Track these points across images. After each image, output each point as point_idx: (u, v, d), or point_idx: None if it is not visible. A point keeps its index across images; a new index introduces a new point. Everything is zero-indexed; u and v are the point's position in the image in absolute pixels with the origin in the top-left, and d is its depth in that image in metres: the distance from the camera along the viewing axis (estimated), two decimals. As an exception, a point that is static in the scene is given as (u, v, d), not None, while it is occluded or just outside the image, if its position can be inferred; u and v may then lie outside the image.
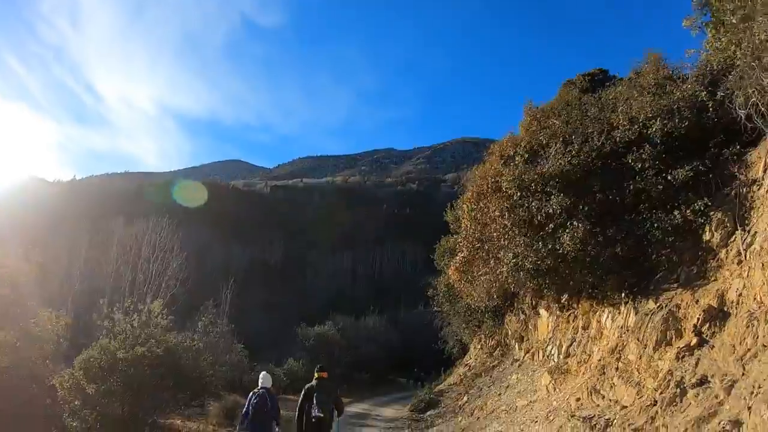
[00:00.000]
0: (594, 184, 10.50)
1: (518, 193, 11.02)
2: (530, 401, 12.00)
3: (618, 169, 10.56)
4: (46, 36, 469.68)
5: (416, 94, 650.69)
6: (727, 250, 8.82)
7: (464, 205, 14.27)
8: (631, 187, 10.08)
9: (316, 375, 9.01)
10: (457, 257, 14.62)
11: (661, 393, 7.58)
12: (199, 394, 14.92)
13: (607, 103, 12.03)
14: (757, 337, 6.66)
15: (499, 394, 14.28)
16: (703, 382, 7.05)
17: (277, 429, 9.16)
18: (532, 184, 10.79)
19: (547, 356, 13.77)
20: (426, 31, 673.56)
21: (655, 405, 7.50)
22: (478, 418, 13.57)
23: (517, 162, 11.65)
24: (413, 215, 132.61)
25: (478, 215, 12.83)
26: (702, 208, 9.44)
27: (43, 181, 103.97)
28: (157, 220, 31.79)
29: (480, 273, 13.13)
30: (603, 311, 11.16)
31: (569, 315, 12.90)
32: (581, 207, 10.20)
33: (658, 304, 9.31)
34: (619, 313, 10.51)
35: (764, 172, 8.67)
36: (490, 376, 17.33)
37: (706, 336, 7.88)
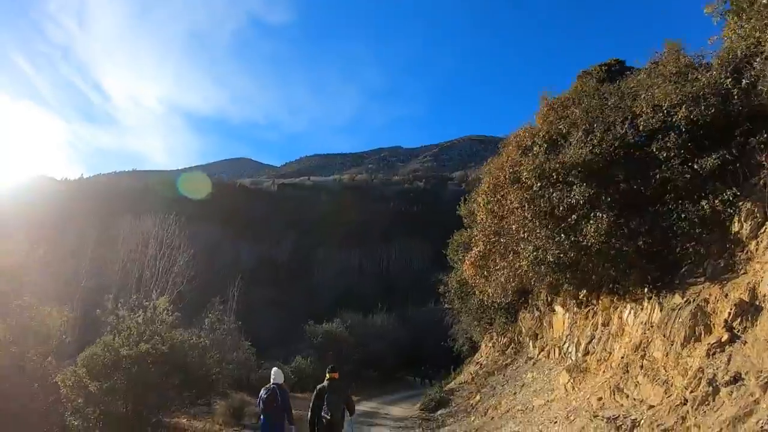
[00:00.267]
0: (617, 173, 10.04)
1: (538, 183, 10.56)
2: (547, 400, 11.56)
3: (641, 159, 10.11)
4: (53, 35, 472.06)
5: (424, 91, 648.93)
6: (758, 242, 8.43)
7: (480, 198, 13.80)
8: (657, 176, 9.61)
9: (327, 375, 9.04)
10: (473, 251, 14.18)
11: (691, 392, 7.19)
12: (206, 393, 14.57)
13: (627, 92, 11.55)
14: (795, 333, 6.26)
15: (514, 393, 13.82)
16: (736, 379, 6.69)
17: (291, 428, 9.26)
18: (554, 174, 10.33)
19: (564, 354, 13.33)
20: (434, 27, 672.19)
21: (685, 404, 7.10)
22: (493, 417, 13.13)
23: (535, 152, 11.19)
24: (421, 213, 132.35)
25: (495, 208, 12.40)
26: (731, 198, 9.00)
27: (52, 179, 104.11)
28: (163, 217, 31.48)
29: (497, 267, 12.69)
30: (625, 307, 10.71)
31: (588, 311, 12.44)
32: (604, 198, 9.76)
33: (685, 299, 8.87)
34: (642, 308, 10.06)
35: (794, 161, 8.26)
36: (504, 375, 16.89)
37: (738, 331, 7.49)
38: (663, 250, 9.94)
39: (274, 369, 10.00)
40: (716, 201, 9.08)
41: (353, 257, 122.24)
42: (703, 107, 9.76)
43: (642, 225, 9.65)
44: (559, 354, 13.90)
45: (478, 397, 16.24)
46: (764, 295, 7.42)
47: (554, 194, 10.20)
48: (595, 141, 10.30)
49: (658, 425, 7.36)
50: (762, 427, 5.65)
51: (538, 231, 10.51)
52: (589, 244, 9.52)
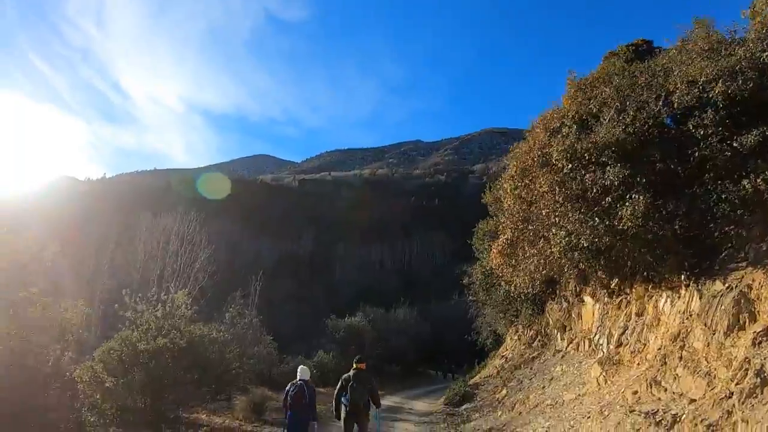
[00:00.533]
0: (652, 153, 9.50)
1: (569, 165, 10.03)
2: (578, 395, 11.04)
3: (677, 138, 9.57)
4: (72, 38, 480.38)
5: (443, 84, 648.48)
6: (804, 223, 7.86)
7: (506, 184, 13.28)
8: (696, 154, 9.04)
9: (354, 366, 9.10)
10: (499, 239, 13.66)
11: (737, 384, 6.68)
12: (225, 388, 14.32)
13: (658, 70, 10.99)
14: None
15: (543, 387, 13.29)
16: (787, 370, 6.18)
17: (314, 424, 9.24)
18: (586, 155, 9.81)
19: (595, 346, 12.78)
20: (452, 19, 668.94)
21: (730, 397, 6.58)
22: (521, 412, 12.63)
23: (565, 133, 10.66)
24: (441, 207, 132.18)
25: (523, 193, 11.89)
26: (774, 177, 8.40)
27: (74, 179, 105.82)
28: (184, 213, 31.44)
29: (525, 255, 12.16)
30: (660, 295, 10.15)
31: (620, 301, 11.87)
32: (639, 179, 9.20)
33: (726, 285, 8.32)
34: (680, 296, 9.50)
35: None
36: (531, 368, 16.36)
37: (786, 318, 6.97)
38: (700, 235, 9.39)
39: (301, 366, 10.04)
40: (758, 180, 8.49)
41: (374, 252, 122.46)
42: (740, 82, 9.23)
43: (679, 208, 9.10)
44: (590, 346, 13.35)
45: (504, 392, 15.75)
46: (812, 279, 6.90)
47: (586, 176, 9.68)
48: (628, 120, 9.77)
49: (701, 420, 6.84)
50: (817, 420, 5.17)
51: (570, 215, 9.98)
52: (625, 227, 8.99)
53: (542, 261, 11.54)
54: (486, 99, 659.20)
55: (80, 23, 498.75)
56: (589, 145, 9.75)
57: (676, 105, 9.78)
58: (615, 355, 11.08)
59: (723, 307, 7.94)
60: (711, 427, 6.57)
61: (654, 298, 10.41)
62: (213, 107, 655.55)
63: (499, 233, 14.65)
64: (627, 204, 9.00)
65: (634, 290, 11.12)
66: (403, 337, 40.68)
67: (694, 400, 7.47)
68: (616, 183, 9.25)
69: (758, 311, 7.51)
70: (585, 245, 9.68)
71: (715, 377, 7.45)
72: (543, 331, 18.34)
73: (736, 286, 8.09)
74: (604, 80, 11.55)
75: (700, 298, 8.72)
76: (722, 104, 9.29)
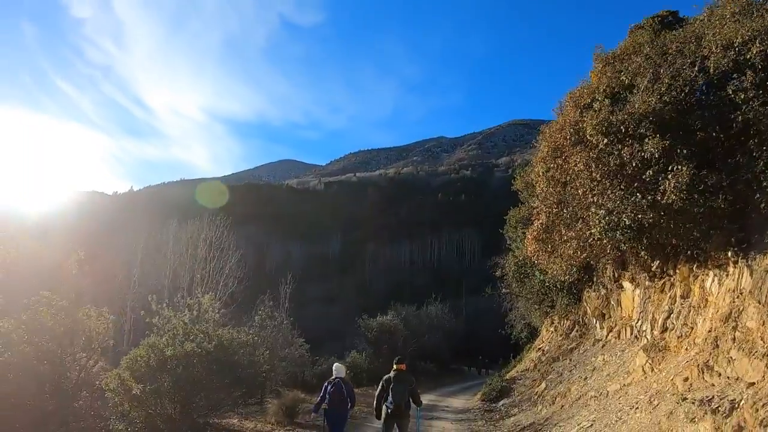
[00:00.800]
0: (692, 122, 8.88)
1: (604, 140, 9.44)
2: (623, 385, 10.45)
3: (716, 105, 8.92)
4: (93, 57, 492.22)
5: (462, 79, 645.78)
6: None
7: (537, 166, 12.70)
8: (738, 119, 8.40)
9: (394, 367, 9.11)
10: (534, 224, 13.05)
11: (800, 362, 6.09)
12: (256, 391, 14.05)
13: (688, 37, 10.35)
14: None
15: (585, 379, 12.69)
16: None
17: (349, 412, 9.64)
18: (622, 127, 9.21)
19: (638, 333, 12.15)
20: (467, 12, 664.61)
21: (794, 377, 6.01)
22: (562, 406, 12.07)
23: (596, 107, 10.09)
24: (468, 202, 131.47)
25: (557, 174, 11.31)
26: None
27: (102, 194, 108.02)
28: (211, 219, 31.47)
29: (563, 239, 11.56)
30: (706, 275, 9.50)
31: (663, 284, 11.22)
32: (679, 150, 8.61)
33: (780, 259, 7.70)
34: (728, 274, 8.85)
35: None
36: (570, 360, 15.74)
37: None
38: (746, 207, 8.73)
39: (336, 364, 10.18)
40: (808, 143, 7.86)
41: (403, 250, 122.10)
42: (778, 40, 8.58)
43: (723, 179, 8.48)
44: (631, 333, 12.72)
45: (543, 385, 15.17)
46: None
47: (623, 150, 9.08)
48: (663, 89, 9.16)
49: (763, 404, 6.29)
50: None
51: (609, 192, 9.39)
52: (670, 201, 8.38)
53: (581, 244, 10.94)
54: (507, 91, 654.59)
55: (100, 42, 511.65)
56: (625, 116, 9.16)
57: (711, 70, 9.15)
58: (660, 341, 10.47)
59: (778, 283, 7.35)
60: (775, 413, 6.03)
61: (699, 278, 9.77)
62: (234, 115, 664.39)
63: (532, 219, 14.10)
64: (669, 176, 8.41)
65: (677, 271, 10.47)
66: (436, 334, 40.22)
67: (753, 384, 6.89)
68: (656, 155, 8.65)
69: (818, 284, 6.92)
70: (627, 223, 9.09)
71: (774, 358, 6.87)
72: (580, 320, 17.69)
73: (791, 260, 7.50)
74: (634, 50, 10.95)
75: (751, 274, 8.08)
76: (761, 65, 8.63)
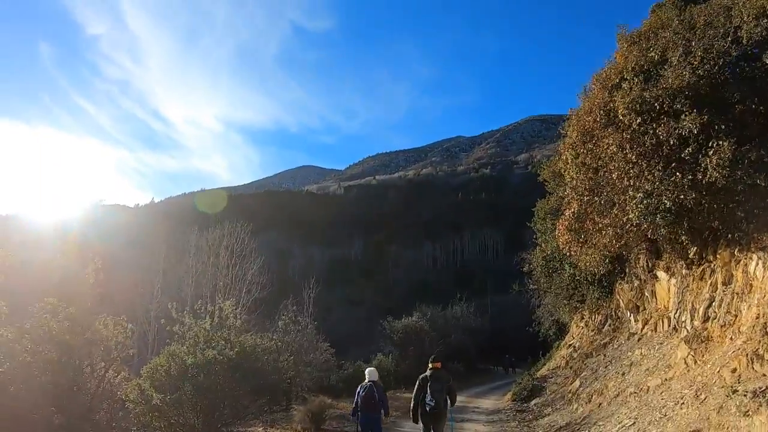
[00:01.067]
0: (729, 95, 8.35)
1: (638, 119, 8.95)
2: (665, 379, 9.87)
3: (752, 76, 8.39)
4: (110, 72, 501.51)
5: (477, 77, 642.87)
6: None
7: (566, 153, 12.16)
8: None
9: (430, 365, 9.19)
10: (565, 214, 12.50)
11: None
12: (281, 398, 13.69)
13: (717, 9, 9.80)
14: None
15: (622, 375, 12.08)
16: None
17: (387, 419, 9.83)
18: (656, 104, 8.72)
19: (677, 324, 11.53)
20: (478, 8, 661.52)
21: None
22: (600, 404, 11.50)
23: (626, 88, 9.57)
24: (488, 200, 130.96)
25: (587, 159, 10.79)
26: None
27: (125, 207, 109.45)
28: (232, 226, 31.36)
29: (596, 228, 11.02)
30: (750, 258, 8.89)
31: (702, 271, 10.59)
32: (718, 125, 8.07)
33: (829, 240, 7.13)
34: (774, 257, 8.30)
35: None
36: (604, 355, 15.11)
37: None
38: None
39: (369, 368, 10.27)
40: None
41: (425, 251, 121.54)
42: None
43: (763, 156, 7.91)
44: (669, 325, 12.10)
45: (577, 383, 14.58)
46: None
47: (659, 129, 8.57)
48: (696, 62, 8.64)
49: (825, 396, 5.76)
50: None
51: (646, 174, 8.87)
52: (712, 179, 7.85)
53: (617, 231, 10.40)
54: (523, 87, 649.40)
55: (115, 58, 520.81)
56: (660, 91, 8.65)
57: (745, 41, 8.62)
58: (702, 331, 9.87)
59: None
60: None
61: (742, 262, 9.17)
62: (251, 124, 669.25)
63: (563, 209, 13.59)
64: (710, 153, 7.87)
65: (718, 256, 9.86)
66: (462, 333, 39.82)
67: (811, 372, 6.36)
68: (694, 131, 8.12)
69: None
70: (668, 205, 8.56)
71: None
72: (613, 314, 17.05)
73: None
74: (662, 25, 10.41)
75: (799, 255, 7.54)
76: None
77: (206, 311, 13.93)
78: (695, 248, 10.56)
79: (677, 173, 8.38)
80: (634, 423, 8.93)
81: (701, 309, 10.26)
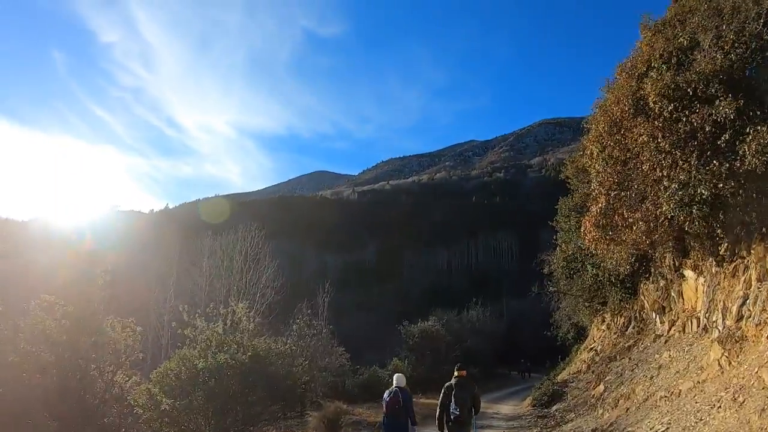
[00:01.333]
0: (763, 80, 7.90)
1: (670, 106, 8.52)
2: (697, 382, 9.38)
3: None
4: (123, 80, 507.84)
5: (489, 81, 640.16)
6: None
7: (591, 147, 11.73)
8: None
9: (455, 373, 9.24)
10: (592, 210, 12.03)
11: None
12: (295, 404, 13.32)
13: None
14: None
15: (650, 378, 11.56)
16: None
17: (414, 428, 9.56)
18: (689, 90, 8.30)
19: (707, 325, 11.02)
20: (488, 11, 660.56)
21: None
22: (627, 409, 11.01)
23: (654, 76, 9.13)
24: (503, 204, 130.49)
25: (615, 152, 10.38)
26: None
27: (139, 213, 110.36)
28: (246, 230, 31.24)
29: (626, 223, 10.54)
30: (787, 253, 8.44)
31: (734, 267, 10.07)
32: (754, 111, 7.62)
33: None
34: (812, 251, 7.81)
35: None
36: (629, 359, 14.57)
37: None
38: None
39: (396, 374, 10.21)
40: None
41: (440, 255, 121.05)
42: None
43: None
44: (698, 326, 11.59)
45: (601, 387, 14.06)
46: None
47: (693, 115, 8.14)
48: (728, 46, 8.21)
49: None
50: None
51: (681, 163, 8.42)
52: (751, 167, 7.40)
53: (648, 226, 9.94)
54: (536, 91, 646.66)
55: (129, 65, 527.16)
56: (693, 75, 8.20)
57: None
58: (736, 331, 9.36)
59: None
60: None
61: (779, 257, 8.70)
62: (264, 130, 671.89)
63: (588, 205, 13.14)
64: (748, 139, 7.42)
65: (752, 251, 9.34)
66: (479, 338, 39.39)
67: None
68: (731, 116, 7.68)
69: None
70: (705, 195, 8.10)
71: None
72: (637, 316, 16.49)
73: None
74: (690, 10, 9.96)
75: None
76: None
77: (218, 314, 13.64)
78: (726, 244, 10.07)
79: (714, 161, 7.93)
80: (668, 429, 8.46)
81: (734, 307, 9.76)
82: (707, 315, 11.10)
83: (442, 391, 9.10)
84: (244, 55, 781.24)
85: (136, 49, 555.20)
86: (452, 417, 8.80)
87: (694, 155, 8.26)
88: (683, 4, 11.27)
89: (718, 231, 9.20)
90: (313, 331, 22.14)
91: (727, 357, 9.06)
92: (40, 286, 9.47)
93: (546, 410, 16.49)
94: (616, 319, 18.48)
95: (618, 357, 15.61)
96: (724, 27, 8.60)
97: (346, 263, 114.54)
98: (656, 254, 13.51)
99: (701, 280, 11.80)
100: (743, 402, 7.45)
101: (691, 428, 7.94)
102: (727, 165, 7.73)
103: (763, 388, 7.25)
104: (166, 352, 24.64)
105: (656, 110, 8.78)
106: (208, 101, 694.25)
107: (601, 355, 18.16)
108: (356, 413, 16.92)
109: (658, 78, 8.89)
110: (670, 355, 11.72)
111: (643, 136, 9.11)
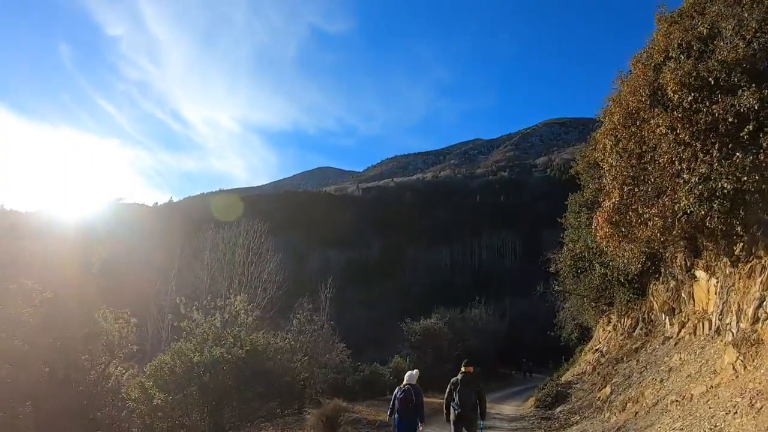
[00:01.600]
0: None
1: (690, 96, 8.15)
2: (710, 386, 9.02)
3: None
4: (129, 74, 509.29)
5: (494, 80, 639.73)
6: None
7: (605, 140, 11.34)
8: None
9: (462, 369, 9.38)
10: (604, 205, 11.67)
11: None
12: (293, 401, 12.98)
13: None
14: None
15: (660, 381, 11.19)
16: None
17: (421, 426, 9.45)
18: (710, 79, 7.94)
19: (720, 327, 10.65)
20: (494, 10, 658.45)
21: None
22: (636, 413, 10.64)
23: (672, 66, 8.75)
24: (507, 203, 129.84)
25: (630, 144, 10.02)
26: None
27: (143, 206, 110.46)
28: (248, 224, 31.01)
29: (641, 219, 10.16)
30: (805, 253, 8.07)
31: (750, 268, 9.69)
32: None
33: None
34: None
35: None
36: (637, 361, 14.19)
37: None
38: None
39: (409, 372, 10.08)
40: None
41: (443, 253, 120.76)
42: None
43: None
44: (710, 328, 11.22)
45: (608, 389, 13.70)
46: None
47: (714, 106, 7.77)
48: (750, 34, 7.84)
49: None
50: None
51: (701, 156, 8.06)
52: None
53: (665, 222, 9.56)
54: (541, 90, 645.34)
55: (135, 59, 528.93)
56: (715, 64, 7.83)
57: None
58: (752, 333, 9.00)
59: None
60: None
61: (796, 257, 8.33)
62: (269, 126, 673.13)
63: (600, 200, 12.80)
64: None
65: (769, 251, 9.01)
66: (481, 337, 39.13)
67: None
68: (755, 106, 7.31)
69: None
70: (727, 189, 7.73)
71: None
72: (645, 317, 16.10)
73: None
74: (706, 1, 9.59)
75: None
76: None
77: (217, 307, 13.32)
78: (742, 244, 9.71)
79: (738, 153, 7.56)
80: (680, 434, 8.11)
81: (750, 309, 9.39)
82: (720, 317, 10.74)
83: (448, 386, 9.24)
84: (249, 50, 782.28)
85: (142, 42, 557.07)
86: (455, 412, 8.90)
87: (716, 147, 7.91)
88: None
89: (738, 228, 8.83)
90: (314, 327, 21.86)
91: (742, 361, 8.71)
92: (24, 273, 9.14)
93: (550, 412, 16.16)
94: (622, 320, 18.10)
95: (625, 359, 15.23)
96: (745, 15, 8.24)
97: (349, 259, 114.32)
98: (667, 254, 13.15)
99: (714, 281, 11.43)
100: (761, 408, 7.09)
101: (705, 435, 7.60)
102: (751, 158, 7.36)
103: (780, 394, 6.90)
104: (166, 345, 24.43)
105: (675, 100, 8.42)
106: (214, 96, 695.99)
107: (607, 356, 17.79)
108: (356, 411, 16.62)
109: (678, 67, 8.53)
110: (680, 358, 11.35)
111: (661, 128, 8.75)
